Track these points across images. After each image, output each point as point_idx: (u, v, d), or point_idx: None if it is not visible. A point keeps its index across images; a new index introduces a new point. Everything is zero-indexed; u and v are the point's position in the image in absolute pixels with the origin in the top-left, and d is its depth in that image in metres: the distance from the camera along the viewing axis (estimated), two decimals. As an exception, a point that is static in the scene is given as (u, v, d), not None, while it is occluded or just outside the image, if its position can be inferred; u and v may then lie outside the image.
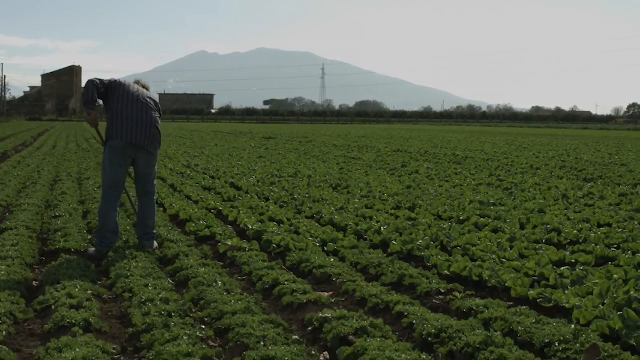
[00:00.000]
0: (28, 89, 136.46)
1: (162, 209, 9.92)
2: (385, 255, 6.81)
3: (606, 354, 3.80)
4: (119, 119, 6.85)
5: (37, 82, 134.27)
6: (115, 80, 7.05)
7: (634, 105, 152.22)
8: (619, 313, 4.45)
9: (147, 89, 7.39)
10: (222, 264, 6.67)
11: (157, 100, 7.36)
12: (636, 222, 8.70)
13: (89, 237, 7.71)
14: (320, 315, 4.60)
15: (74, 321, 4.40)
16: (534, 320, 4.45)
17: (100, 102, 7.13)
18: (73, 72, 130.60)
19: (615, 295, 5.01)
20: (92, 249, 6.94)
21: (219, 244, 7.25)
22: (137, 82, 7.41)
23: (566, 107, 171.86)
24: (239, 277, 6.11)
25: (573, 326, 4.29)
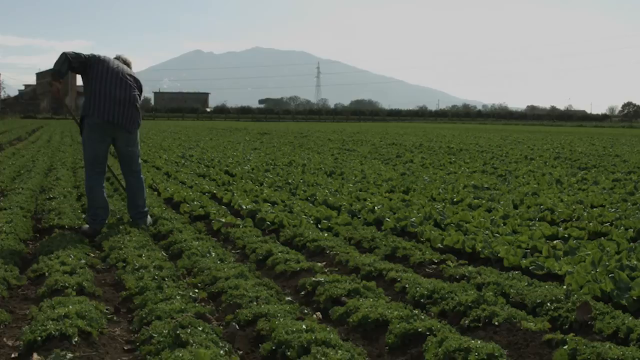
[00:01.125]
0: (23, 87, 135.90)
1: (156, 192, 9.93)
2: (378, 231, 6.83)
3: (597, 312, 3.82)
4: (96, 96, 6.69)
5: (33, 81, 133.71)
6: (95, 56, 6.83)
7: (628, 104, 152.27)
8: (610, 275, 4.48)
9: (129, 65, 7.18)
10: (215, 239, 6.68)
11: (138, 78, 7.18)
12: (629, 204, 8.74)
13: (83, 216, 7.71)
14: (313, 279, 4.62)
15: (67, 284, 4.40)
16: (526, 284, 4.48)
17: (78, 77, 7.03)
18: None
19: (607, 264, 5.03)
20: (85, 226, 6.93)
21: (213, 221, 7.26)
22: (118, 58, 7.19)
23: (561, 106, 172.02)
24: (233, 251, 6.12)
25: (565, 287, 4.31)
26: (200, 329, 3.40)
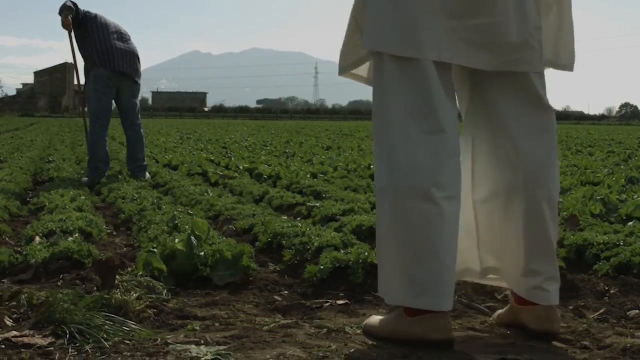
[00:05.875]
0: (21, 86, 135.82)
1: (154, 160, 10.01)
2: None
3: (586, 224, 3.90)
4: (101, 47, 6.80)
5: (31, 80, 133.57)
6: (89, 12, 6.97)
7: (626, 104, 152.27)
8: (600, 197, 4.57)
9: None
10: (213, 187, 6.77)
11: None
12: (622, 167, 8.83)
13: (82, 171, 7.80)
14: (309, 204, 4.71)
15: (66, 206, 4.48)
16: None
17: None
18: (65, 69, 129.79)
19: (597, 197, 5.12)
20: (85, 178, 7.02)
21: (210, 175, 7.35)
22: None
23: (558, 107, 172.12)
24: (231, 194, 6.20)
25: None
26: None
